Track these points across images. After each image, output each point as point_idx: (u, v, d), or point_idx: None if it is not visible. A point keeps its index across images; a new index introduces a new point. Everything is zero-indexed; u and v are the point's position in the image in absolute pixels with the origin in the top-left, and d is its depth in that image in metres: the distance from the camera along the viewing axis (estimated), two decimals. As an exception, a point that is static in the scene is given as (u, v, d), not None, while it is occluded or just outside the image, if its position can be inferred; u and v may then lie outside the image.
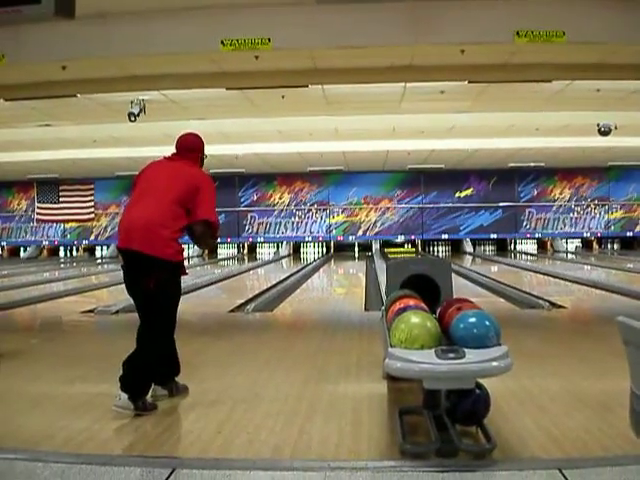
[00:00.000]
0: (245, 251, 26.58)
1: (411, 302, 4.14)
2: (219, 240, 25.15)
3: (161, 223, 4.45)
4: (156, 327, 4.56)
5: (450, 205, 25.07)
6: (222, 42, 7.93)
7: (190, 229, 4.61)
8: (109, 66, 8.86)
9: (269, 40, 7.87)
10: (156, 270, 4.44)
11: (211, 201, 4.65)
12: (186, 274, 4.73)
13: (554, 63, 9.02)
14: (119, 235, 4.60)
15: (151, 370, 4.54)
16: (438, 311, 4.26)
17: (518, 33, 7.75)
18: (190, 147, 4.92)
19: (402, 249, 25.83)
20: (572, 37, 7.74)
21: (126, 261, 4.61)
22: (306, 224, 25.58)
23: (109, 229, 26.06)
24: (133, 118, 11.33)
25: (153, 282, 4.43)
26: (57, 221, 26.29)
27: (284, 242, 25.94)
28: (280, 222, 25.59)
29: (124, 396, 4.31)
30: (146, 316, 4.58)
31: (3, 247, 27.29)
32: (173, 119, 13.19)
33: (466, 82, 10.11)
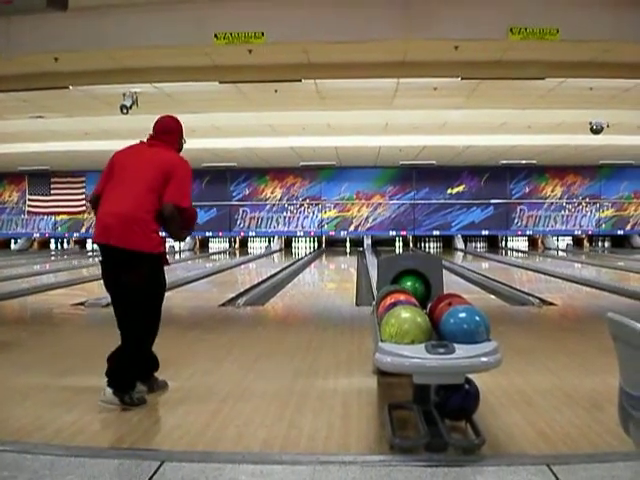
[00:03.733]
0: (236, 245, 26.55)
1: (402, 297, 4.15)
2: (210, 234, 25.19)
3: (139, 216, 4.32)
4: (141, 321, 4.47)
5: (442, 201, 25.10)
6: (216, 35, 7.91)
7: (159, 215, 4.40)
8: (102, 58, 8.83)
9: (263, 34, 7.86)
10: (138, 264, 4.34)
11: (182, 185, 4.46)
12: (168, 264, 4.63)
13: (547, 60, 9.04)
14: (96, 229, 4.49)
15: (137, 364, 4.49)
16: (429, 306, 4.27)
17: (512, 30, 7.76)
18: (167, 129, 4.73)
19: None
20: (565, 35, 7.76)
21: (104, 255, 4.50)
22: (298, 219, 25.57)
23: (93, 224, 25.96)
24: (125, 111, 11.29)
25: (137, 276, 4.34)
26: (48, 213, 26.20)
27: (276, 237, 25.92)
28: (272, 217, 25.57)
29: (109, 391, 4.28)
30: (131, 310, 4.44)
31: (-7, 239, 27.21)
32: (165, 112, 13.14)
33: (459, 78, 10.11)
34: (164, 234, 4.55)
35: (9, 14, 7.19)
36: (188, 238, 24.47)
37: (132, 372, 4.43)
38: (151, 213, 4.36)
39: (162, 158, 4.52)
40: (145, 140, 4.77)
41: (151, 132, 4.76)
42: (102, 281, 4.59)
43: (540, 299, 9.98)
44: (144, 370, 4.63)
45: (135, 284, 4.36)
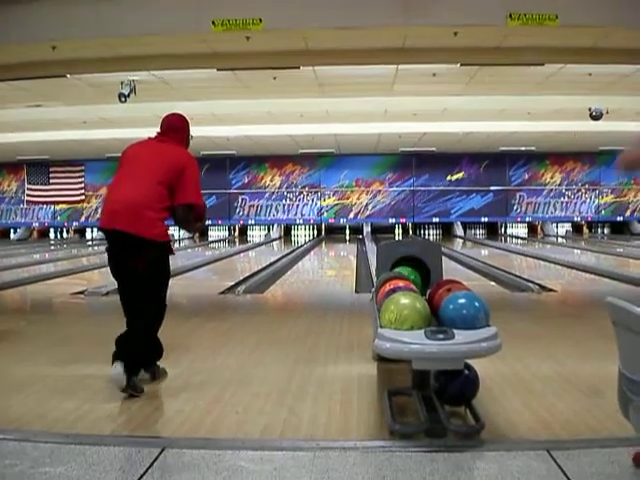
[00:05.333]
0: (236, 233, 26.54)
1: (401, 283, 4.14)
2: (209, 222, 25.19)
3: (146, 204, 4.42)
4: (146, 308, 4.53)
5: (441, 188, 25.07)
6: (213, 22, 7.87)
7: (173, 212, 4.58)
8: (99, 46, 8.78)
9: (260, 20, 7.82)
10: (144, 250, 4.41)
11: (195, 183, 4.63)
12: (173, 254, 4.71)
13: (546, 46, 9.00)
14: (102, 215, 4.58)
15: (143, 350, 4.53)
16: (428, 292, 4.27)
17: (511, 15, 7.73)
18: (174, 127, 4.82)
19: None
20: (565, 20, 7.72)
21: (111, 242, 4.58)
22: (297, 207, 25.55)
23: (99, 211, 25.95)
24: (123, 99, 11.26)
25: (142, 262, 4.42)
26: (47, 203, 26.16)
27: (275, 225, 25.90)
28: (271, 205, 25.55)
29: (119, 365, 4.25)
30: (137, 296, 4.52)
31: (-7, 228, 27.20)
32: (164, 100, 13.10)
33: (458, 65, 10.08)
34: (170, 223, 4.63)
35: (7, 1, 7.16)
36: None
37: (138, 358, 4.46)
38: (158, 203, 4.46)
39: (173, 153, 4.65)
40: (153, 137, 4.85)
41: (158, 129, 4.85)
42: (108, 268, 4.65)
43: (540, 285, 9.98)
44: (147, 358, 4.65)
45: (139, 270, 4.44)
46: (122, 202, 4.44)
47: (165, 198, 4.50)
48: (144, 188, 4.46)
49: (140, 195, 4.43)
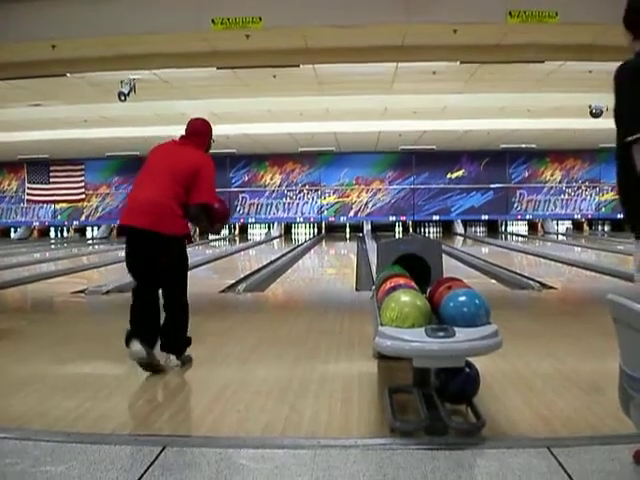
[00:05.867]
0: (236, 232, 26.53)
1: (401, 281, 4.14)
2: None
3: (164, 201, 4.81)
4: (177, 292, 5.06)
5: (441, 186, 25.06)
6: (213, 21, 7.87)
7: (186, 211, 4.93)
8: (99, 45, 8.78)
9: (260, 19, 7.82)
10: (167, 246, 4.87)
11: (209, 184, 4.98)
12: (191, 242, 5.19)
13: (546, 44, 8.99)
14: (125, 213, 5.01)
15: (186, 327, 5.15)
16: (429, 290, 4.27)
17: (510, 13, 7.72)
18: (197, 131, 5.22)
19: None
20: (564, 17, 7.72)
21: (130, 238, 4.96)
22: (297, 205, 25.55)
23: (100, 210, 25.97)
24: (123, 98, 11.25)
25: (166, 258, 4.89)
26: (47, 202, 26.15)
27: (275, 223, 25.90)
28: (271, 203, 25.55)
29: (173, 357, 4.97)
30: (165, 286, 5.01)
31: (-6, 228, 27.19)
32: (164, 99, 13.13)
33: (458, 63, 10.08)
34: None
35: None
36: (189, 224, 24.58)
37: (185, 335, 5.14)
38: (176, 200, 4.85)
39: (191, 155, 5.04)
40: (177, 139, 5.24)
41: (183, 132, 5.26)
42: (125, 264, 5.04)
43: (540, 283, 9.98)
44: (149, 336, 4.88)
45: (164, 265, 4.92)
46: (142, 200, 4.88)
47: (182, 198, 4.88)
48: (163, 187, 4.85)
49: (159, 193, 4.83)
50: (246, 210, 25.53)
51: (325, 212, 25.56)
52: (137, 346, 4.66)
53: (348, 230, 26.26)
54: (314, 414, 3.90)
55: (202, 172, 4.93)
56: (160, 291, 5.08)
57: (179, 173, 4.88)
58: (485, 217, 25.41)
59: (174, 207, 4.83)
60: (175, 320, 5.08)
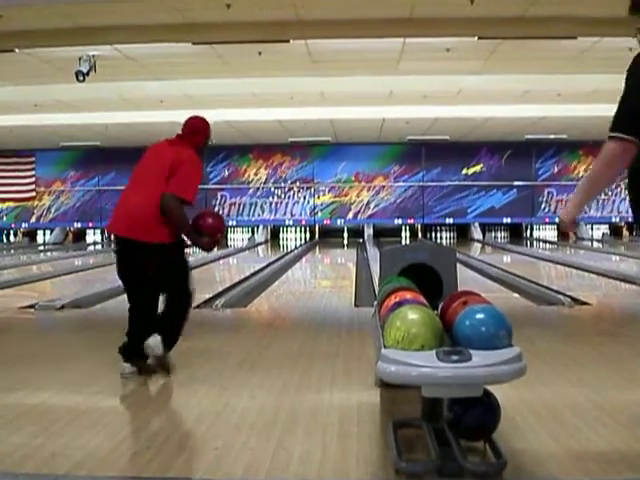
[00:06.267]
0: (214, 237, 26.49)
1: (408, 295, 4.14)
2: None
3: (149, 210, 5.32)
4: (174, 296, 5.59)
5: (456, 183, 25.13)
6: (187, -13, 7.90)
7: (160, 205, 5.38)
8: (53, 16, 8.80)
9: (243, -15, 7.85)
10: (151, 254, 5.38)
11: (186, 178, 5.43)
12: (188, 246, 5.71)
13: (579, 16, 9.04)
14: (112, 220, 5.60)
15: (180, 329, 5.65)
16: (440, 306, 4.27)
17: (537, -20, 7.76)
18: (191, 130, 5.76)
19: None
20: (601, -15, 7.76)
21: (117, 245, 5.65)
22: (287, 205, 25.58)
23: (53, 210, 25.95)
24: (82, 77, 11.25)
25: (151, 265, 5.40)
26: (-10, 200, 26.14)
27: (260, 226, 25.92)
28: (256, 202, 25.58)
29: (158, 337, 5.39)
30: (164, 290, 5.60)
31: None
32: (129, 79, 13.14)
33: (476, 38, 10.12)
34: None
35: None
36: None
37: (178, 334, 5.64)
38: (159, 207, 5.34)
39: (175, 153, 5.52)
40: (171, 138, 5.77)
41: (179, 131, 5.78)
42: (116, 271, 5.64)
43: (571, 298, 10.00)
44: (138, 350, 5.46)
45: (150, 272, 5.45)
46: (129, 209, 5.45)
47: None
48: (149, 193, 5.37)
49: (141, 201, 5.38)
50: (226, 211, 25.52)
51: (319, 214, 25.59)
52: (157, 338, 5.35)
53: (346, 235, 26.30)
54: (305, 452, 3.89)
55: (184, 166, 5.41)
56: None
57: (160, 173, 5.38)
58: (507, 220, 25.48)
59: (156, 214, 5.31)
60: (173, 316, 5.62)
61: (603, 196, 25.08)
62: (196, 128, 5.77)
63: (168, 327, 5.56)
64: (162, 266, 5.43)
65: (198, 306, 9.81)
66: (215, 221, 5.77)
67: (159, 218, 5.32)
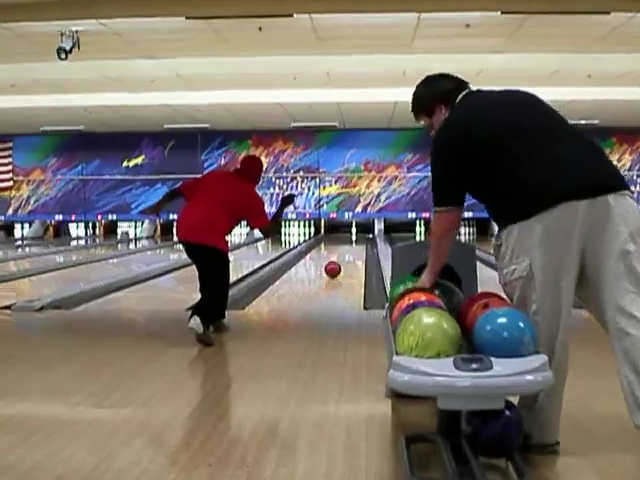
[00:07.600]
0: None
1: (423, 297, 4.14)
2: (175, 216, 25.11)
3: (213, 226, 7.53)
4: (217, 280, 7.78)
5: (476, 173, 25.04)
6: (180, -44, 7.89)
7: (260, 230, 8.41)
8: (32, -14, 8.79)
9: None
10: (212, 255, 7.57)
11: (260, 209, 7.91)
12: (228, 250, 7.94)
13: (613, -11, 9.02)
14: (180, 228, 7.81)
15: (219, 306, 7.73)
16: (459, 309, 4.27)
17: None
18: (249, 169, 8.01)
19: None
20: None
21: (186, 250, 7.81)
22: (289, 197, 25.53)
23: (32, 201, 25.97)
24: (64, 55, 11.23)
25: (210, 263, 7.61)
26: (-36, 190, 26.18)
27: (260, 220, 25.86)
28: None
29: (197, 318, 7.01)
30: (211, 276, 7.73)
31: None
32: (116, 57, 13.13)
33: (498, 13, 10.10)
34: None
35: None
36: (147, 222, 24.84)
37: (215, 309, 7.64)
38: (222, 224, 7.66)
39: (241, 190, 7.78)
40: (230, 171, 8.60)
41: (238, 166, 8.22)
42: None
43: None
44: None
45: (209, 267, 7.68)
46: (197, 220, 7.56)
47: (228, 221, 7.77)
48: (214, 212, 7.51)
49: (210, 216, 7.49)
50: (222, 203, 25.47)
51: (325, 206, 25.60)
52: (197, 320, 6.98)
53: (354, 230, 26.29)
54: (309, 468, 3.90)
55: (253, 203, 7.87)
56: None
57: (230, 203, 7.62)
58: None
59: (220, 229, 7.67)
60: (211, 295, 7.62)
61: (639, 188, 25.04)
62: (251, 167, 8.04)
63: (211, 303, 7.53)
64: (214, 262, 7.66)
65: (191, 307, 9.85)
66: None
67: (221, 232, 7.70)
